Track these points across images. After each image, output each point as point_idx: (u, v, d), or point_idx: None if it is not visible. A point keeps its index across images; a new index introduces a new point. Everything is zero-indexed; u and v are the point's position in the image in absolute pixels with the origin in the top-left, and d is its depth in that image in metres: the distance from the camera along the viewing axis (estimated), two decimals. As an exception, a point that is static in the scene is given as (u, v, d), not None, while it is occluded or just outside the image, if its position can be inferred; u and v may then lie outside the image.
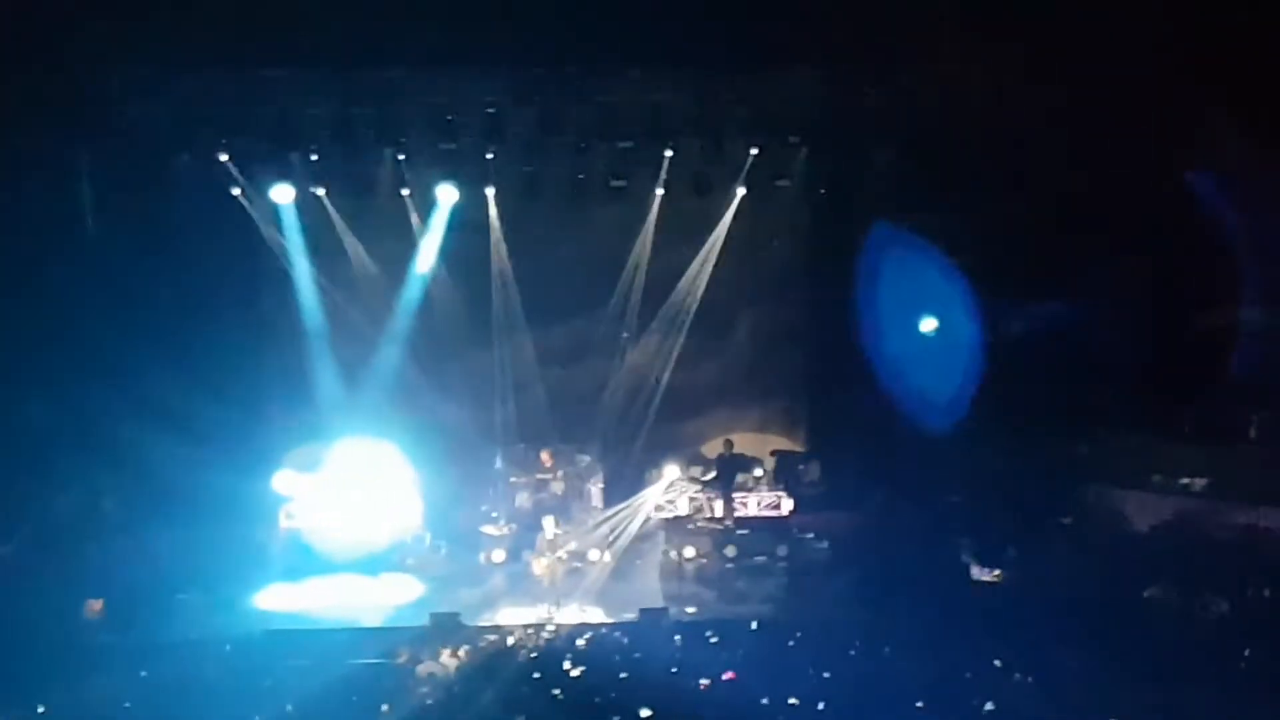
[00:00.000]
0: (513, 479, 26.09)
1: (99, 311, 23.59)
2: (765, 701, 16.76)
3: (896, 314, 25.84)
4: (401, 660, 18.69)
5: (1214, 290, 23.75)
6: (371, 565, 24.01)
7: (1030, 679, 17.64)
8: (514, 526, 25.16)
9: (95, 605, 21.00)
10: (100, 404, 23.08)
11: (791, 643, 19.40)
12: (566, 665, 17.95)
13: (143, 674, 17.89)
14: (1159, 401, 24.08)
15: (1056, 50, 22.16)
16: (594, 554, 24.48)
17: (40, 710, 16.61)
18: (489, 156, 25.52)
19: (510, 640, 19.53)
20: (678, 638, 19.69)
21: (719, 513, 26.16)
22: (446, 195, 26.07)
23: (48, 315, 22.94)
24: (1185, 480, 23.94)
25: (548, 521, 24.36)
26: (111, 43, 21.90)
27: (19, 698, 16.74)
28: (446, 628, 19.99)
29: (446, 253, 26.72)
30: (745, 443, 28.15)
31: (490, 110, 24.91)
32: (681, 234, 27.12)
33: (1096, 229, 23.73)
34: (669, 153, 25.79)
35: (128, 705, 16.91)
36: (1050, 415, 24.41)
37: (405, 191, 26.04)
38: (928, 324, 26.26)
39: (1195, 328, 24.02)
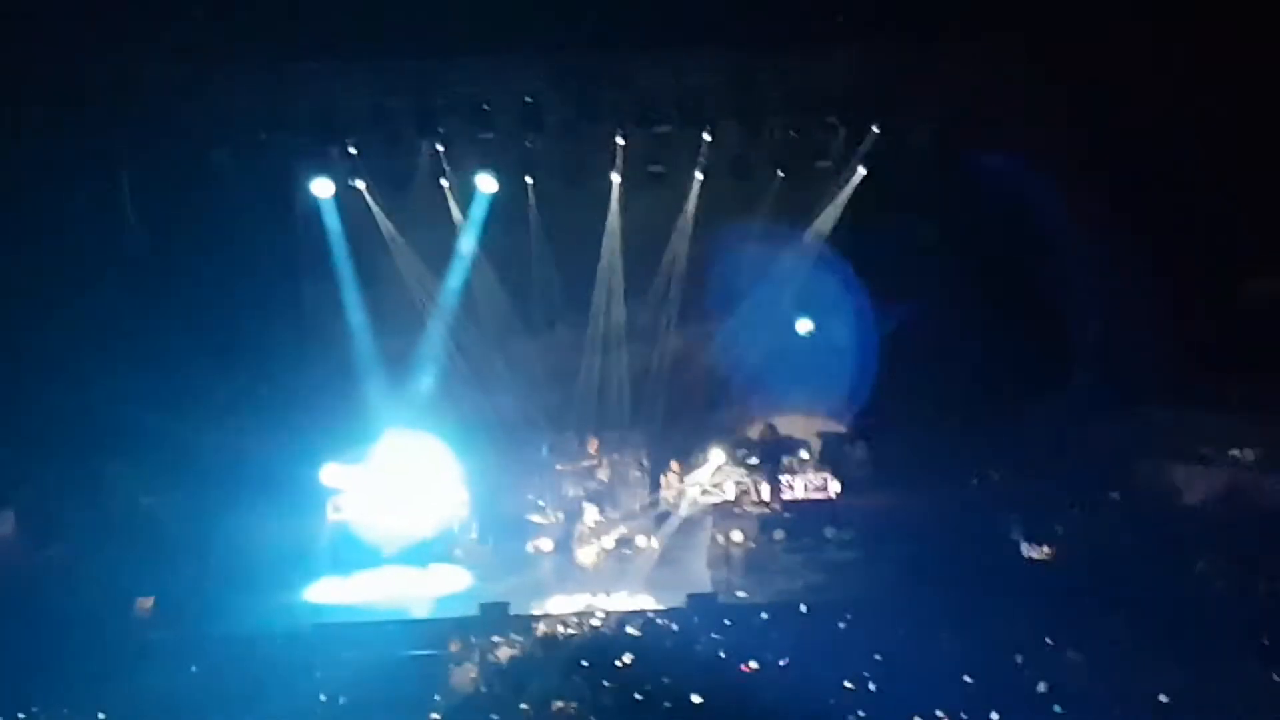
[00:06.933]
0: (559, 467, 25.99)
1: (141, 308, 23.74)
2: (817, 684, 16.71)
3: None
4: (451, 650, 18.71)
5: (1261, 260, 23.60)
6: (419, 556, 24.02)
7: (1082, 657, 17.54)
8: (561, 515, 25.12)
9: (145, 603, 21.07)
10: (145, 401, 23.17)
11: (842, 625, 19.30)
12: (616, 652, 17.92)
13: (193, 669, 18.01)
14: (1206, 373, 23.88)
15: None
16: (641, 540, 24.48)
17: (101, 717, 16.73)
18: (527, 145, 25.45)
19: (559, 629, 19.49)
20: (727, 622, 19.62)
21: (766, 496, 26.04)
22: (486, 185, 26.04)
23: (89, 312, 23.05)
24: (1235, 452, 23.77)
25: (589, 509, 24.39)
26: (148, 37, 21.95)
27: (72, 696, 16.86)
28: (495, 617, 19.97)
29: (487, 242, 26.71)
30: (792, 425, 28.02)
31: (527, 99, 24.82)
32: (722, 218, 26.97)
33: (1136, 214, 23.65)
34: (707, 137, 25.65)
35: (180, 700, 17.00)
36: (1096, 390, 24.30)
37: (444, 182, 26.00)
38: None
39: (1242, 298, 23.85)
